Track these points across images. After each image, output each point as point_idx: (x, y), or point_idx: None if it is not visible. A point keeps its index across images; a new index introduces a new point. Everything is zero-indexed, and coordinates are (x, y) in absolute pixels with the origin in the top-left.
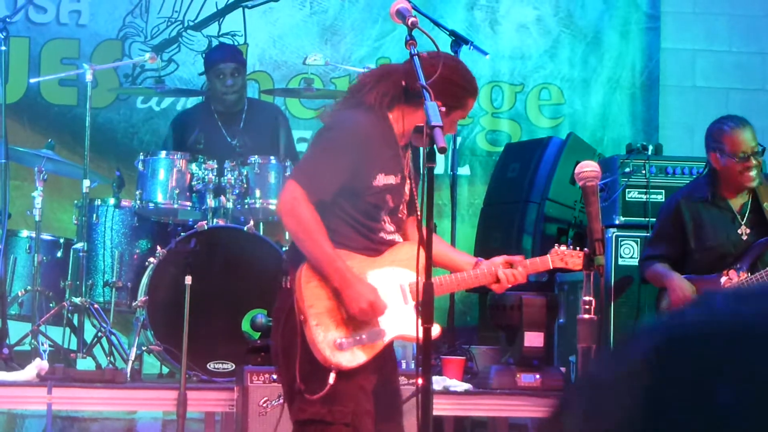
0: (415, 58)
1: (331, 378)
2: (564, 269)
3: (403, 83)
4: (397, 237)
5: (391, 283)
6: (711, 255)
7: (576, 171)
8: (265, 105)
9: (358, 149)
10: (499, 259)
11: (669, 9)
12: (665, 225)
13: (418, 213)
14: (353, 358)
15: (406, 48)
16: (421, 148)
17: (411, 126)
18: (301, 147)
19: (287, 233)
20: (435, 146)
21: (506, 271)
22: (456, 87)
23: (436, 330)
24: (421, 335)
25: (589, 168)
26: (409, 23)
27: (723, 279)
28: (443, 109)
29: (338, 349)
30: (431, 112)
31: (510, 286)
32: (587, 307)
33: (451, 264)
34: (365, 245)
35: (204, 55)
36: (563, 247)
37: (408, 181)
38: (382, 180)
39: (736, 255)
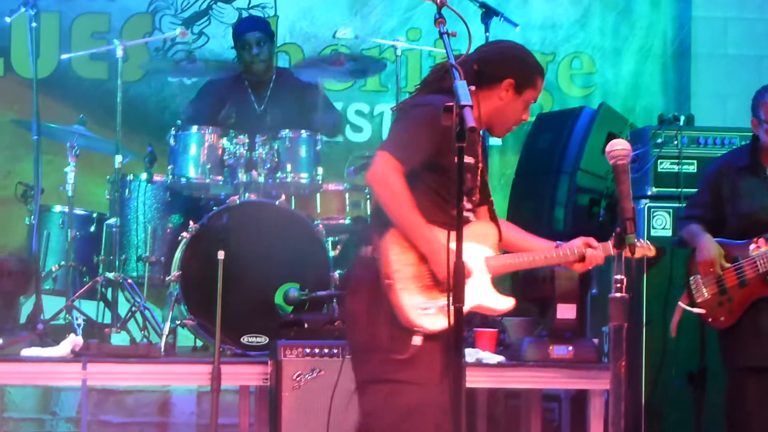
0: (445, 37)
1: (416, 340)
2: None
3: (476, 67)
4: (471, 216)
5: (469, 257)
6: (745, 222)
7: (606, 150)
8: (294, 76)
9: (441, 126)
10: (577, 241)
11: None
12: (704, 190)
13: (490, 200)
14: (435, 322)
15: (435, 26)
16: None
17: (485, 109)
18: None
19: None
20: (464, 126)
21: (590, 250)
22: (528, 66)
23: (510, 303)
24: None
25: (619, 146)
26: (438, 1)
27: (752, 246)
28: (507, 92)
29: (423, 313)
30: (461, 91)
31: (591, 266)
32: (618, 285)
33: (531, 250)
34: (444, 220)
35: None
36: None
37: (480, 166)
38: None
39: None
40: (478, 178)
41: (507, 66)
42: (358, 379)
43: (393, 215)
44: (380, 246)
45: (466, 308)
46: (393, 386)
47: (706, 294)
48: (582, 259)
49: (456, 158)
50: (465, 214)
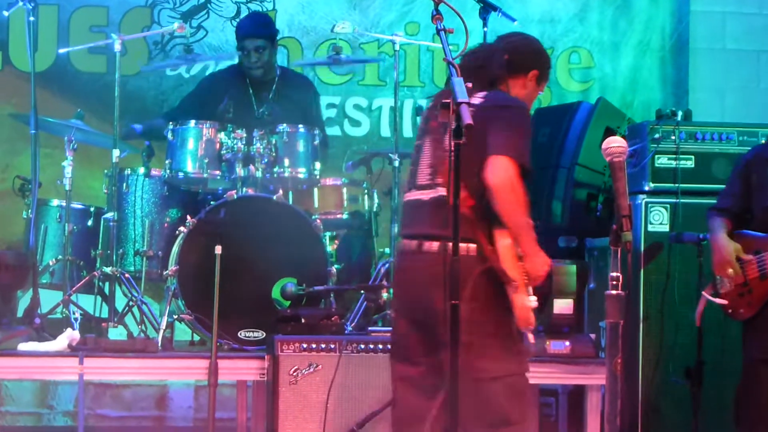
0: (442, 33)
1: (531, 337)
2: None
3: (507, 57)
4: None
5: None
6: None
7: (603, 147)
8: (296, 76)
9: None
10: None
11: None
12: (734, 180)
13: None
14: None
15: (433, 23)
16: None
17: (517, 96)
18: (330, 113)
19: (316, 202)
20: (461, 123)
21: None
22: (548, 60)
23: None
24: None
25: (615, 144)
26: None
27: None
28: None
29: (533, 310)
30: (458, 88)
31: None
32: (614, 282)
33: None
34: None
35: (235, 22)
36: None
37: None
38: None
39: None
40: None
41: (534, 58)
42: (474, 376)
43: (515, 220)
44: (499, 248)
45: None
46: (517, 378)
47: (728, 285)
48: None
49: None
50: None
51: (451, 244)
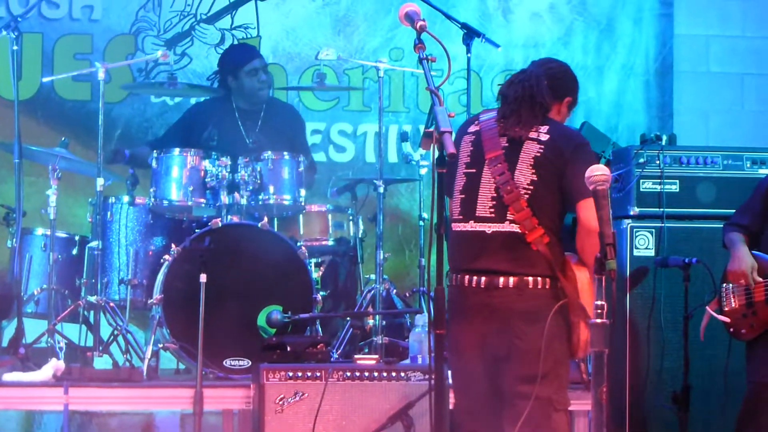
0: (424, 62)
1: (582, 368)
2: None
3: (546, 82)
4: None
5: None
6: None
7: (586, 175)
8: (282, 105)
9: None
10: None
11: None
12: (754, 199)
13: None
14: None
15: (415, 51)
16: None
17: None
18: (314, 138)
19: (301, 229)
20: (444, 152)
21: None
22: (578, 85)
23: None
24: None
25: (599, 172)
26: (418, 27)
27: None
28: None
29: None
30: (440, 117)
31: None
32: (599, 311)
33: None
34: None
35: (224, 53)
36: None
37: None
38: None
39: None
40: None
41: (571, 84)
42: (554, 405)
43: (592, 260)
44: (580, 284)
45: None
46: (568, 411)
47: (734, 304)
48: None
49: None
50: None
51: (529, 278)
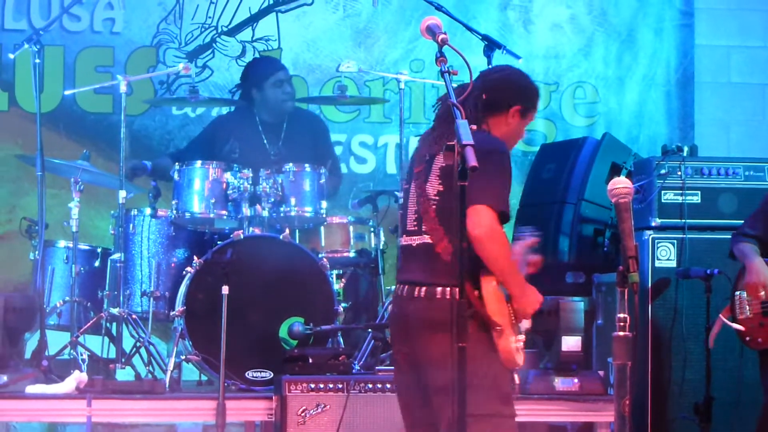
0: (446, 75)
1: (516, 378)
2: None
3: (485, 96)
4: None
5: None
6: None
7: (609, 188)
8: (305, 114)
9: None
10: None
11: (703, 5)
12: (764, 208)
13: None
14: (522, 356)
15: (437, 65)
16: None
17: (500, 134)
18: (336, 150)
19: (322, 241)
20: (466, 165)
21: None
22: (530, 90)
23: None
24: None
25: (621, 185)
26: (439, 40)
27: None
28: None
29: (519, 351)
30: (462, 130)
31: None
32: (622, 324)
33: None
34: None
35: (248, 65)
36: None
37: None
38: None
39: None
40: None
41: (513, 94)
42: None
43: (500, 266)
44: (485, 294)
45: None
46: (506, 420)
47: (748, 312)
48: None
49: None
50: None
51: (438, 288)
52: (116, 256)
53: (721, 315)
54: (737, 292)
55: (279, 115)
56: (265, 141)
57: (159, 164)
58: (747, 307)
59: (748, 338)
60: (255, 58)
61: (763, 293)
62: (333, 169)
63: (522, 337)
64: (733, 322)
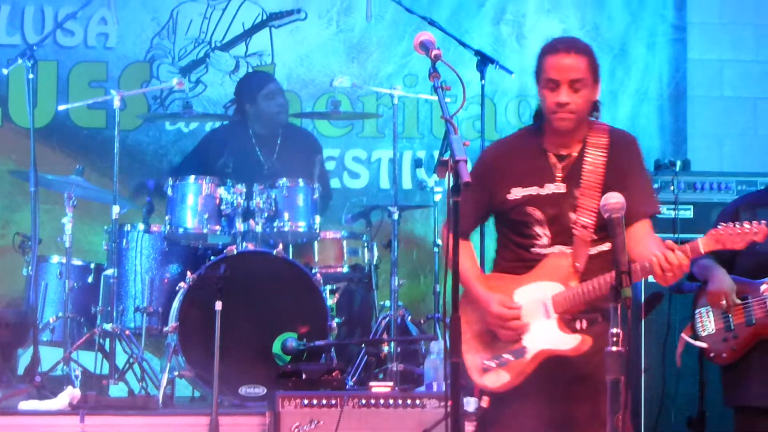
0: (439, 91)
1: (484, 402)
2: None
3: None
4: (557, 248)
5: (535, 299)
6: (757, 260)
7: (601, 203)
8: (299, 131)
9: (482, 175)
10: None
11: (695, 20)
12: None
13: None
14: (497, 379)
15: (430, 80)
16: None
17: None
18: (329, 165)
19: (316, 256)
20: (459, 180)
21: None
22: (537, 57)
23: (577, 340)
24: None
25: (613, 200)
26: (433, 56)
27: (763, 287)
28: None
29: (484, 372)
30: (456, 145)
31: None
32: (615, 339)
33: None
34: (518, 263)
35: (240, 81)
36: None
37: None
38: (519, 193)
39: None
40: (566, 206)
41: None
42: None
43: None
44: None
45: (530, 355)
46: None
47: (710, 328)
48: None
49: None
50: (544, 250)
51: None
52: (109, 271)
53: (683, 334)
54: (697, 310)
55: (273, 128)
56: (259, 154)
57: (161, 183)
58: (708, 323)
59: (712, 354)
60: (246, 73)
61: (724, 302)
62: (323, 187)
63: (503, 358)
64: (695, 339)
